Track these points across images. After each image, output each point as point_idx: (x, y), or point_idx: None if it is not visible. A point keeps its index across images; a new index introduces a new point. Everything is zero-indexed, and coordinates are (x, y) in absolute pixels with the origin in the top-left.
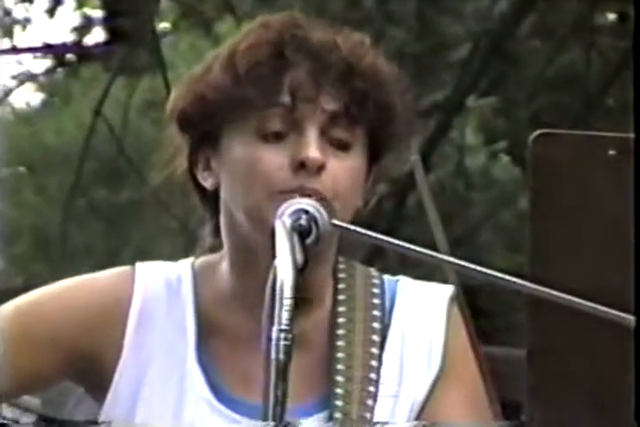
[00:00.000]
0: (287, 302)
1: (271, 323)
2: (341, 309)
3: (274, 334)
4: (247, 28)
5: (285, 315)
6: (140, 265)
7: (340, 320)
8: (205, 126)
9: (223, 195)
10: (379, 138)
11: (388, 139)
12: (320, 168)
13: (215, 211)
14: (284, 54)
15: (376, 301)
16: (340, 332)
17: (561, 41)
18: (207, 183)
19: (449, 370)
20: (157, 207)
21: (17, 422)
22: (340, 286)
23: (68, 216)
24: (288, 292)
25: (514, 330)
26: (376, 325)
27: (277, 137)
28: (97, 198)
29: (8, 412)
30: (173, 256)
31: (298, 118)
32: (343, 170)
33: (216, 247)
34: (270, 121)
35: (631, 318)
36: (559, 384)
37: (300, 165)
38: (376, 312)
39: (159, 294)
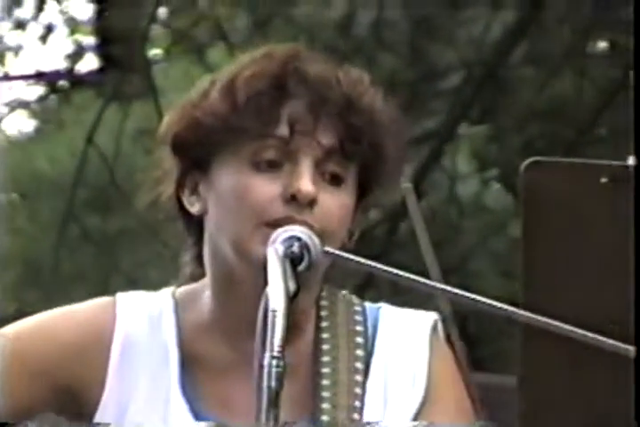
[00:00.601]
0: (279, 330)
1: (263, 350)
2: (325, 335)
3: (266, 361)
4: (248, 56)
5: (277, 342)
6: (120, 296)
7: (325, 347)
8: (198, 152)
9: (209, 222)
10: (369, 175)
11: (378, 176)
12: (312, 202)
13: (199, 238)
14: (284, 86)
15: (359, 328)
16: (325, 359)
17: (553, 69)
18: (193, 209)
19: (432, 397)
20: (147, 235)
21: None
22: (323, 313)
23: (60, 243)
24: (280, 319)
25: (504, 357)
26: (359, 352)
27: (271, 167)
28: (89, 226)
29: None
30: (164, 283)
31: (293, 150)
32: (334, 205)
33: (197, 276)
34: (265, 151)
35: (629, 348)
36: (551, 412)
37: (292, 197)
38: (359, 339)
39: (141, 326)
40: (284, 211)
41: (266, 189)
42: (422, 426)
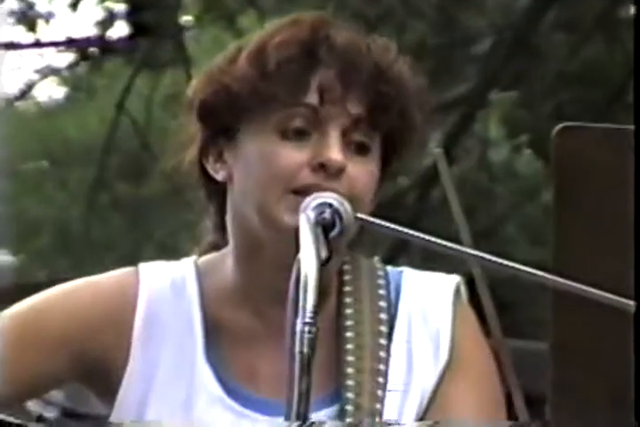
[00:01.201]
0: (311, 295)
1: (295, 316)
2: (348, 300)
3: (298, 327)
4: (276, 23)
5: (310, 308)
6: (143, 266)
7: (348, 311)
8: (225, 118)
9: (234, 189)
10: (394, 143)
11: (404, 145)
12: (340, 171)
13: (221, 205)
14: (314, 53)
15: (381, 292)
16: (349, 323)
17: (583, 34)
18: (218, 176)
19: (456, 360)
20: (178, 203)
21: (41, 416)
22: (346, 277)
23: (90, 210)
24: (312, 285)
25: (537, 323)
26: (383, 316)
27: (299, 135)
28: (120, 193)
29: (31, 405)
30: (194, 252)
31: (322, 119)
32: (361, 173)
33: (218, 244)
34: (294, 119)
35: None
36: (583, 379)
37: (320, 166)
38: (382, 303)
39: (164, 295)
40: (312, 178)
41: (294, 156)
42: (428, 426)
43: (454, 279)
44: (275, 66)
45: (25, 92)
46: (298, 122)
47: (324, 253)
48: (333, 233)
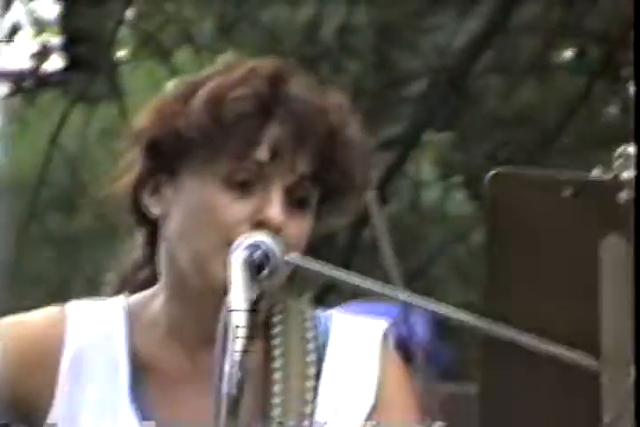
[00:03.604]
0: (241, 336)
1: (224, 357)
2: (276, 342)
3: (227, 369)
4: (234, 68)
5: (239, 349)
6: (70, 305)
7: (277, 353)
8: (171, 158)
9: (168, 227)
10: (331, 200)
11: (339, 203)
12: (278, 230)
13: (151, 239)
14: (270, 109)
15: (310, 334)
16: (276, 365)
17: (518, 77)
18: (153, 209)
19: (381, 404)
20: (109, 237)
21: None
22: (274, 319)
23: (21, 243)
24: (242, 325)
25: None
26: (311, 358)
27: (242, 187)
28: (51, 226)
29: None
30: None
31: (268, 175)
32: (298, 229)
33: (148, 281)
34: (240, 172)
35: (592, 362)
36: (510, 423)
37: (259, 223)
38: (311, 346)
39: (91, 337)
40: (250, 235)
41: (234, 210)
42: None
43: (382, 324)
44: (230, 119)
45: None
46: (244, 175)
47: (254, 294)
48: (263, 274)
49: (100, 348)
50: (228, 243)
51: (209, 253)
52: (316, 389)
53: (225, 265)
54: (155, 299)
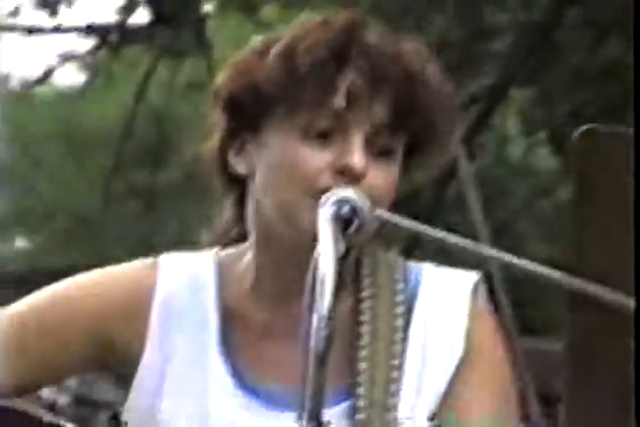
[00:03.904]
0: (328, 291)
1: (311, 311)
2: (365, 294)
3: (314, 323)
4: (307, 22)
5: (326, 303)
6: (163, 257)
7: (365, 305)
8: (251, 113)
9: (255, 184)
10: (416, 149)
11: (425, 151)
12: (361, 177)
13: (240, 197)
14: (344, 57)
15: (399, 286)
16: (365, 317)
17: (603, 33)
18: (239, 168)
19: (470, 358)
20: (194, 194)
21: (54, 404)
22: (364, 271)
23: (106, 197)
24: (330, 280)
25: (552, 321)
26: (400, 310)
27: (322, 137)
28: (136, 181)
29: (45, 392)
30: (208, 244)
31: (346, 122)
32: (381, 178)
33: (236, 236)
34: (319, 121)
35: None
36: (596, 379)
37: (341, 171)
38: (400, 297)
39: (182, 288)
40: (332, 182)
41: (315, 159)
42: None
43: (473, 277)
44: (304, 68)
45: (44, 77)
46: (323, 124)
47: (341, 249)
48: (351, 228)
49: (190, 299)
50: (312, 192)
51: (295, 203)
52: (404, 341)
53: (312, 214)
54: (244, 255)
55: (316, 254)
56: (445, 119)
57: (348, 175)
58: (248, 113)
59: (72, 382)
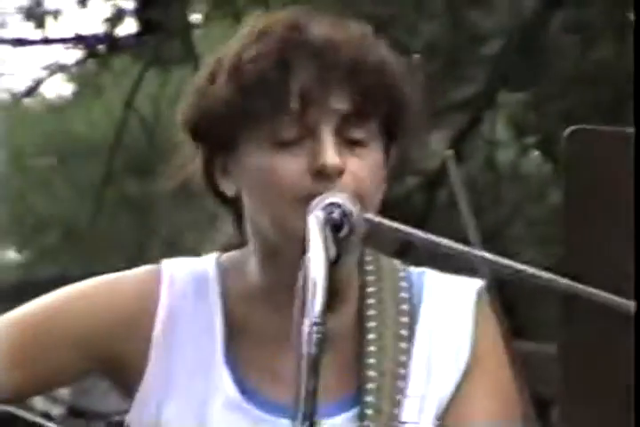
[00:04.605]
0: (320, 295)
1: (303, 316)
2: (370, 301)
3: (305, 328)
4: (247, 32)
5: (318, 308)
6: (165, 262)
7: (370, 313)
8: (218, 138)
9: (246, 201)
10: (391, 129)
11: (401, 129)
12: (339, 173)
13: (237, 213)
14: (289, 60)
15: (404, 294)
16: (371, 325)
17: (593, 36)
18: (228, 189)
19: (476, 365)
20: (185, 199)
21: (48, 415)
22: (369, 278)
23: (98, 207)
24: (321, 285)
25: (544, 325)
26: (404, 319)
27: (293, 144)
28: (127, 190)
29: (39, 402)
30: (201, 248)
31: (310, 123)
32: (363, 167)
33: (239, 243)
34: (283, 129)
35: None
36: (591, 381)
37: (319, 172)
38: (404, 306)
39: (186, 293)
40: (313, 186)
41: (291, 166)
42: None
43: (477, 283)
44: (251, 81)
45: (33, 89)
46: (288, 131)
47: (332, 253)
48: (342, 233)
49: (194, 307)
50: (297, 200)
51: (283, 212)
52: (409, 350)
53: (302, 220)
54: (247, 259)
55: (306, 259)
56: (409, 94)
57: (325, 176)
58: (215, 137)
59: (65, 393)
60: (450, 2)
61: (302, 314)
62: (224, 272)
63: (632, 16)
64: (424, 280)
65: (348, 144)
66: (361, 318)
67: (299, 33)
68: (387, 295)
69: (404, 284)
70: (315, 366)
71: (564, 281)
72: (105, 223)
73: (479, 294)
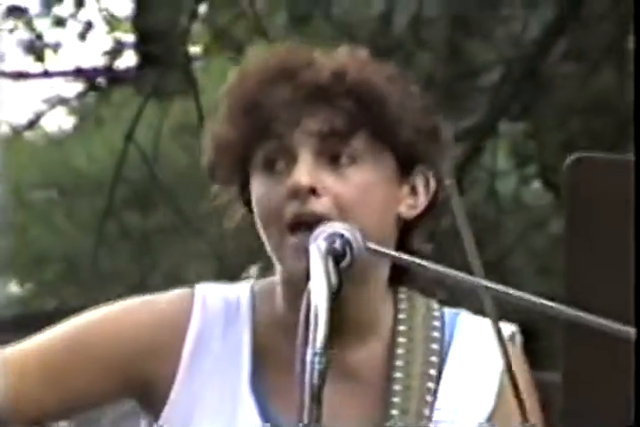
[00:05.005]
0: (322, 326)
1: (306, 346)
2: (401, 339)
3: (308, 358)
4: (233, 79)
5: (320, 338)
6: (199, 287)
7: (400, 351)
8: (235, 175)
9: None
10: (387, 138)
11: (402, 145)
12: (312, 190)
13: None
14: (267, 86)
15: (436, 334)
16: (399, 363)
17: (593, 65)
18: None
19: (502, 409)
20: (186, 232)
21: None
22: (401, 316)
23: (99, 240)
24: (323, 315)
25: (548, 354)
26: (434, 358)
27: (277, 171)
28: (128, 223)
29: None
30: (202, 281)
31: (289, 145)
32: (348, 185)
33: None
34: (270, 153)
35: None
36: (595, 411)
37: (293, 193)
38: (435, 346)
39: (217, 318)
40: (291, 209)
41: (275, 191)
42: None
43: (510, 328)
44: (241, 118)
45: (33, 122)
46: (273, 155)
47: (334, 283)
48: (344, 263)
49: (224, 332)
50: (284, 227)
51: (278, 246)
52: (436, 390)
53: (294, 255)
54: (276, 288)
55: (307, 289)
56: (397, 109)
57: (298, 193)
58: (234, 176)
59: (64, 425)
60: (448, 32)
61: (305, 344)
62: (256, 299)
63: (631, 44)
64: (457, 321)
65: (333, 163)
66: (391, 355)
67: (272, 78)
68: (417, 334)
69: (436, 323)
70: (317, 397)
71: (567, 309)
72: (106, 256)
73: (511, 338)
